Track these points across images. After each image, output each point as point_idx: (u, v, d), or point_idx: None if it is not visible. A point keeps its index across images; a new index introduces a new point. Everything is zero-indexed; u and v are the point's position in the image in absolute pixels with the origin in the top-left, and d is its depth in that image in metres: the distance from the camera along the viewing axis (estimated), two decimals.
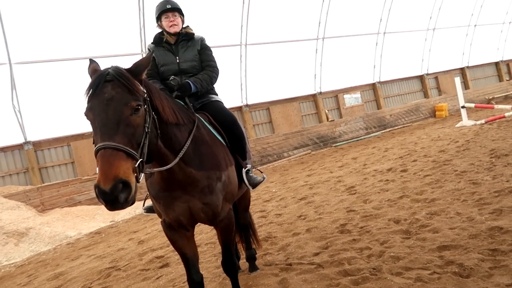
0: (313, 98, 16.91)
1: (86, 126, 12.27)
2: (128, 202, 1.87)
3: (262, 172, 3.76)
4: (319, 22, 16.00)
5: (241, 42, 14.40)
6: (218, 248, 4.85)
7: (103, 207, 9.73)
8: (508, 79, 23.92)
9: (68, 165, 11.67)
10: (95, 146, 1.96)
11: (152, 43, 3.48)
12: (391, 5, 17.64)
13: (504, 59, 24.00)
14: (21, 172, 11.06)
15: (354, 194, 6.24)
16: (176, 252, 4.90)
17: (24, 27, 10.72)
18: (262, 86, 15.37)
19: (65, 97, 11.50)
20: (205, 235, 5.62)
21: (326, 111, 17.02)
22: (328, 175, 8.62)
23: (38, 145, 11.35)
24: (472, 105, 13.05)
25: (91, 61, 2.28)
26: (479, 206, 4.29)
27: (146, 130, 2.13)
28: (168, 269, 4.55)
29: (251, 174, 3.30)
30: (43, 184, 10.57)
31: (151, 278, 4.39)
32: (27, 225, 8.00)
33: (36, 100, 11.31)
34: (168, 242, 5.61)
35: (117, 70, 2.12)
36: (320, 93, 16.89)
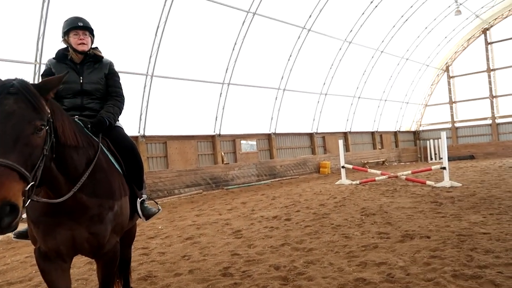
0: (211, 139, 17.18)
1: None
2: (11, 227, 1.72)
3: (157, 203, 3.67)
4: (227, 68, 16.69)
5: (147, 72, 14.18)
6: (91, 285, 4.47)
7: None
8: (380, 148, 27.53)
9: None
10: None
11: (53, 58, 3.27)
12: (293, 66, 19.33)
13: (379, 130, 27.71)
14: None
15: (240, 238, 6.38)
16: (45, 286, 4.38)
17: None
18: (162, 120, 15.16)
19: None
20: (77, 270, 5.12)
21: (223, 153, 17.37)
22: (217, 217, 8.69)
23: None
24: (350, 166, 14.64)
25: None
26: (348, 258, 4.75)
27: (45, 153, 2.00)
28: None
29: (145, 205, 3.21)
30: None
31: None
32: None
33: None
34: (32, 275, 5.02)
35: (23, 84, 1.97)
36: (219, 135, 17.27)
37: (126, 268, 3.85)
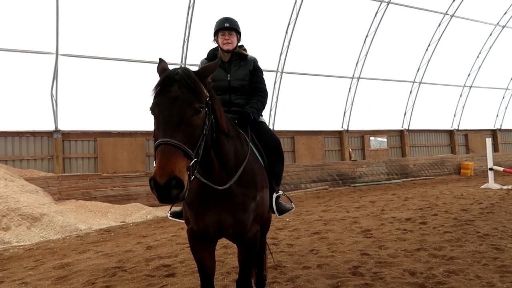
0: (339, 134, 16.89)
1: (112, 125, 12.63)
2: (179, 198, 1.93)
3: (292, 202, 3.73)
4: (357, 62, 16.15)
5: (277, 69, 14.64)
6: (226, 267, 4.81)
7: (116, 206, 9.84)
8: None
9: (91, 159, 11.92)
10: (155, 140, 2.05)
11: (205, 58, 3.55)
12: (431, 57, 17.67)
13: None
14: (45, 158, 11.39)
15: (370, 238, 6.11)
16: (189, 263, 4.90)
17: (76, 21, 11.25)
18: (290, 115, 15.50)
19: (101, 95, 11.88)
20: None
21: (350, 149, 16.92)
22: (344, 214, 8.49)
23: (66, 135, 11.69)
24: (501, 168, 12.71)
25: (161, 60, 2.39)
26: (500, 272, 4.13)
27: (204, 132, 2.20)
28: (174, 279, 4.52)
29: (280, 201, 3.28)
30: (63, 174, 10.81)
31: (156, 285, 4.36)
32: (42, 211, 8.15)
33: (73, 93, 11.73)
34: (177, 252, 5.64)
35: (185, 71, 2.22)
36: (347, 131, 16.86)
37: (261, 256, 4.02)
